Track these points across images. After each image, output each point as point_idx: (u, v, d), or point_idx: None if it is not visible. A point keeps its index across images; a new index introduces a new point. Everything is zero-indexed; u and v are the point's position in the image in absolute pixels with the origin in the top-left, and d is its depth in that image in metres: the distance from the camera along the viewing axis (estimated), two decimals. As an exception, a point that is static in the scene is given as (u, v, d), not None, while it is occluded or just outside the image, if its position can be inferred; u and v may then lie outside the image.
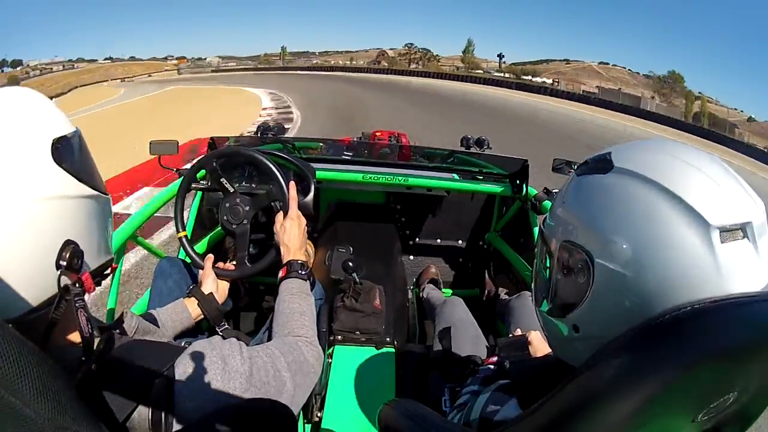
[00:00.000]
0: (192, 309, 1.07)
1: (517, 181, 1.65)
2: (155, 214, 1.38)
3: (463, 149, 1.86)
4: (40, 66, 60.93)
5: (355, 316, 1.32)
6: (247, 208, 1.20)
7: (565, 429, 0.40)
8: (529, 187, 1.63)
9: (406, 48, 66.16)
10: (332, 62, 63.88)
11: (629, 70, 50.64)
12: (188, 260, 1.25)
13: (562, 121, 16.43)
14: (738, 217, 0.41)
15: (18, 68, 58.12)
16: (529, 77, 47.67)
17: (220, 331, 1.12)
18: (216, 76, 48.25)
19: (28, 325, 0.44)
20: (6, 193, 0.43)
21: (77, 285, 0.47)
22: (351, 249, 1.58)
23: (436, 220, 2.11)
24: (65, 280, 0.46)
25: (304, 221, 1.07)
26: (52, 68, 61.72)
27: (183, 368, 0.56)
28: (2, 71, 54.37)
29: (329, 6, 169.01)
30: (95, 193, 0.52)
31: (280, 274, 0.96)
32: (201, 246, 1.63)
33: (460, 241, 2.14)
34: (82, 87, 44.85)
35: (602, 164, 0.48)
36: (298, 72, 49.28)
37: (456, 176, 1.73)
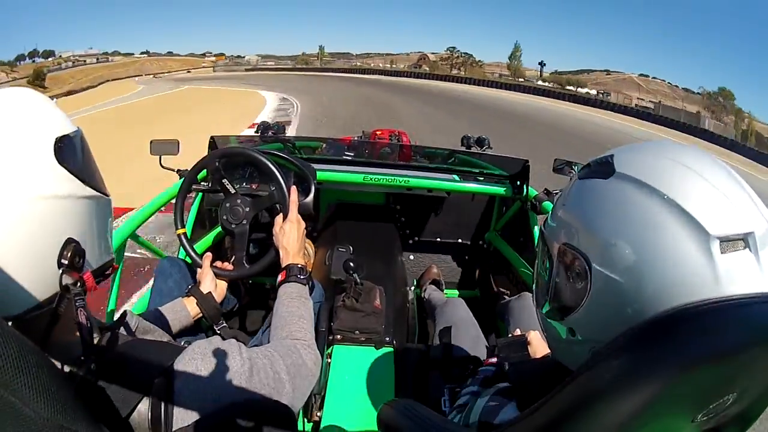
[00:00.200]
0: (191, 308, 1.07)
1: (518, 182, 1.65)
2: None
3: (463, 149, 1.86)
4: (73, 57, 59.03)
5: (355, 316, 1.32)
6: (248, 209, 1.20)
7: (565, 430, 0.40)
8: (529, 188, 1.63)
9: (448, 52, 63.65)
10: (372, 64, 62.03)
11: (668, 82, 48.97)
12: (188, 260, 1.25)
13: (625, 141, 15.17)
14: (740, 226, 0.40)
15: (50, 59, 55.95)
16: (574, 88, 44.92)
17: (219, 330, 1.12)
18: (245, 75, 47.53)
19: (28, 323, 0.44)
20: (8, 192, 0.43)
21: (78, 284, 0.47)
22: (351, 249, 1.58)
23: (436, 220, 2.11)
24: (66, 279, 0.46)
25: (303, 225, 1.07)
26: (85, 60, 60.07)
27: (183, 368, 0.56)
28: (33, 61, 52.17)
29: (371, 8, 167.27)
30: (96, 193, 0.52)
31: (279, 278, 0.96)
32: (201, 245, 1.63)
33: (460, 241, 2.14)
34: (113, 81, 44.13)
35: (604, 168, 0.48)
36: (331, 74, 47.91)
37: (456, 177, 1.73)
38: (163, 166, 1.51)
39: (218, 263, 1.18)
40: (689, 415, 0.41)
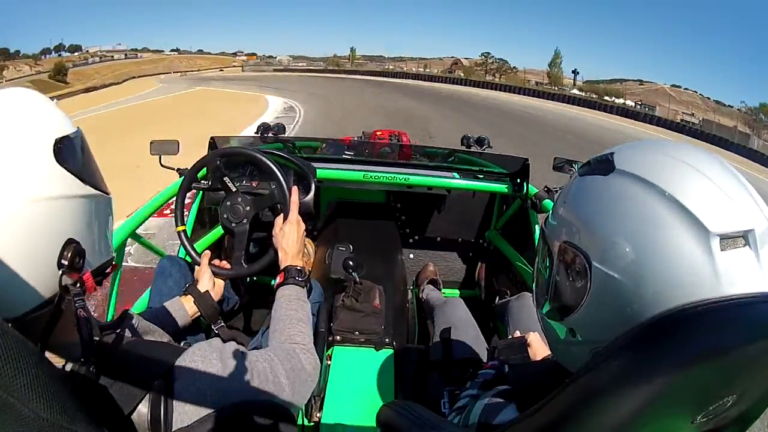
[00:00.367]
0: (188, 307, 1.07)
1: (518, 180, 1.65)
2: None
3: (463, 148, 1.86)
4: (100, 53, 58.50)
5: (355, 316, 1.32)
6: (248, 208, 1.20)
7: (565, 430, 0.40)
8: (529, 186, 1.63)
9: (483, 57, 60.93)
10: (404, 68, 58.47)
11: (701, 94, 45.75)
12: (189, 259, 1.25)
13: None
14: (740, 224, 0.39)
15: (76, 53, 55.43)
16: (611, 98, 41.55)
17: (216, 329, 1.12)
18: (271, 76, 46.74)
19: (28, 324, 0.44)
20: (8, 193, 0.43)
21: (77, 285, 0.47)
22: (351, 247, 1.58)
23: (436, 218, 2.11)
24: (66, 280, 0.46)
25: (303, 226, 1.07)
26: (113, 56, 59.57)
27: (183, 369, 0.56)
28: (59, 55, 51.47)
29: (405, 11, 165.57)
30: (97, 192, 0.52)
31: (278, 279, 0.96)
32: (201, 244, 1.63)
33: (460, 239, 2.14)
34: (139, 78, 43.79)
35: (604, 165, 0.48)
36: (358, 77, 46.34)
37: (456, 175, 1.73)
38: (163, 165, 1.51)
39: (216, 262, 1.17)
40: (689, 416, 0.41)
